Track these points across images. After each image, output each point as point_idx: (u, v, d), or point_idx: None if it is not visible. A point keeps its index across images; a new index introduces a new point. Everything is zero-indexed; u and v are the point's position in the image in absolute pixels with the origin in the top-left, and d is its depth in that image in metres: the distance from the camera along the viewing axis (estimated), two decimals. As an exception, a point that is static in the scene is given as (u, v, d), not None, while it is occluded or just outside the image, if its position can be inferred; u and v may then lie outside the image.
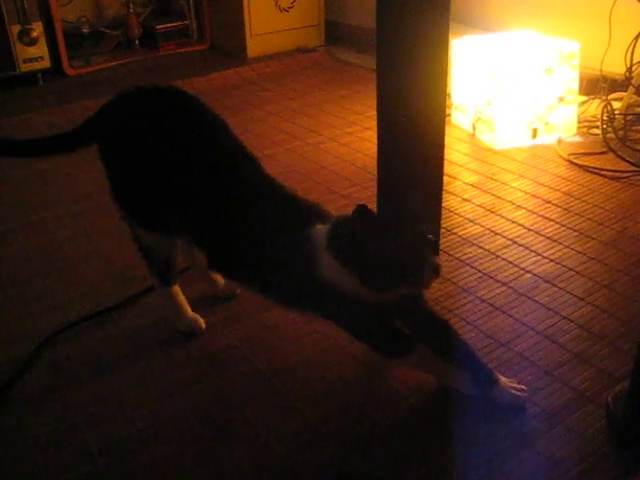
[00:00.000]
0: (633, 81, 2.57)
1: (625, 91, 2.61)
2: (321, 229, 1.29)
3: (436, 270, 1.23)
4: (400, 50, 1.57)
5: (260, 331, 1.62)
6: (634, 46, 2.55)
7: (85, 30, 3.96)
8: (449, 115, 2.76)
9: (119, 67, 3.82)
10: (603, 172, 2.30)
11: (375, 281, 1.24)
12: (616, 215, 2.03)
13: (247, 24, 3.82)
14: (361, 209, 1.19)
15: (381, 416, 1.36)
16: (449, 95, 2.74)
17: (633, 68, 2.56)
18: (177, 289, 1.62)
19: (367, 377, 1.47)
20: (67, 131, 1.58)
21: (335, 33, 4.10)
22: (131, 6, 4.04)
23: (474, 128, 2.66)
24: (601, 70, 2.71)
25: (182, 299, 1.63)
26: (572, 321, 1.59)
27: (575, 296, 1.68)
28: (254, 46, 3.86)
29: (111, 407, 1.42)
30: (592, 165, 2.34)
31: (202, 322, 1.62)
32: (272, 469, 1.26)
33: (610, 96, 2.63)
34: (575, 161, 2.39)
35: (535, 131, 2.55)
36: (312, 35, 4.02)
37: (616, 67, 2.67)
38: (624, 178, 2.26)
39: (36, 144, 1.62)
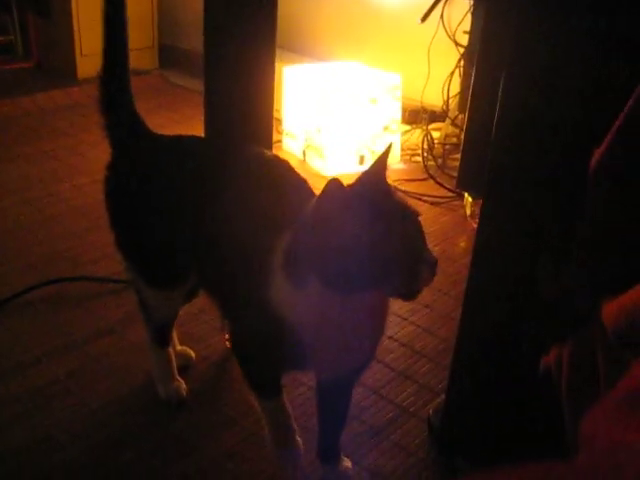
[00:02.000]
0: (449, 113, 2.77)
1: (443, 122, 2.81)
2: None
3: (433, 267, 0.99)
4: (225, 74, 1.61)
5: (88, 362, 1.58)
6: (450, 81, 2.76)
7: None
8: (280, 141, 2.83)
9: None
10: (424, 198, 2.45)
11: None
12: (436, 238, 2.17)
13: (77, 43, 3.69)
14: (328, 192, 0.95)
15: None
16: (280, 121, 2.81)
17: (450, 101, 2.77)
18: (170, 351, 1.48)
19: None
20: None
21: (169, 56, 4.08)
22: (-54, 19, 3.78)
23: (304, 154, 2.74)
24: (421, 102, 2.89)
25: (172, 364, 1.47)
26: (396, 340, 1.68)
27: (399, 316, 1.77)
28: (85, 66, 3.74)
29: None
30: (414, 191, 2.49)
31: (184, 391, 1.47)
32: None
33: (430, 126, 2.82)
34: (399, 187, 2.53)
35: (362, 158, 2.67)
36: (145, 57, 3.96)
37: (435, 99, 2.87)
38: (443, 203, 2.42)
39: None
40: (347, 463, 1.30)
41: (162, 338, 1.44)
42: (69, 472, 1.29)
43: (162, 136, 1.38)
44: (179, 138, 1.38)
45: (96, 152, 2.76)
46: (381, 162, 1.05)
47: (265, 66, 1.66)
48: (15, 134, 2.96)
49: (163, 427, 1.41)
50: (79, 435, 1.37)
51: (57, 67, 3.85)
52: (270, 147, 1.74)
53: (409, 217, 1.00)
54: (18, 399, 1.46)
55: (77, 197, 2.37)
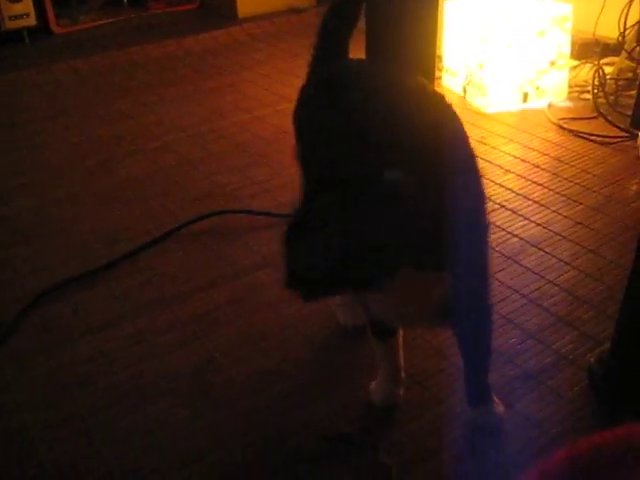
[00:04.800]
0: (625, 46, 2.55)
1: (617, 56, 2.60)
2: None
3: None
4: (389, 9, 1.56)
5: (246, 293, 1.64)
6: (628, 10, 2.53)
7: (72, -14, 3.89)
8: (440, 78, 2.74)
9: (107, 26, 3.76)
10: (592, 137, 2.30)
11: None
12: (604, 180, 2.03)
13: (238, -17, 3.76)
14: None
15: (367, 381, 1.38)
16: (440, 58, 2.71)
17: (626, 32, 2.55)
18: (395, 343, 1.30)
19: (354, 342, 1.49)
20: None
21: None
22: (120, -37, 3.96)
23: (465, 91, 2.64)
24: (594, 34, 2.69)
25: (395, 360, 1.31)
26: (557, 285, 1.61)
27: (561, 260, 1.69)
28: (245, 6, 3.80)
29: (100, 367, 1.43)
30: (582, 130, 2.34)
31: (397, 397, 1.32)
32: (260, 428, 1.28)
33: (602, 60, 2.62)
34: (565, 126, 2.38)
35: (526, 95, 2.53)
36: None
37: (609, 31, 2.65)
38: (613, 143, 2.26)
39: None
40: (499, 407, 1.27)
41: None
42: (226, 391, 1.36)
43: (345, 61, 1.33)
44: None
45: (256, 89, 2.82)
46: None
47: (428, 3, 1.60)
48: (180, 73, 3.08)
49: (320, 362, 1.44)
50: (239, 359, 1.43)
51: (219, 7, 3.94)
52: (432, 80, 1.69)
53: None
54: (184, 324, 1.55)
55: (239, 133, 2.44)
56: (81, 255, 1.79)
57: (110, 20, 3.82)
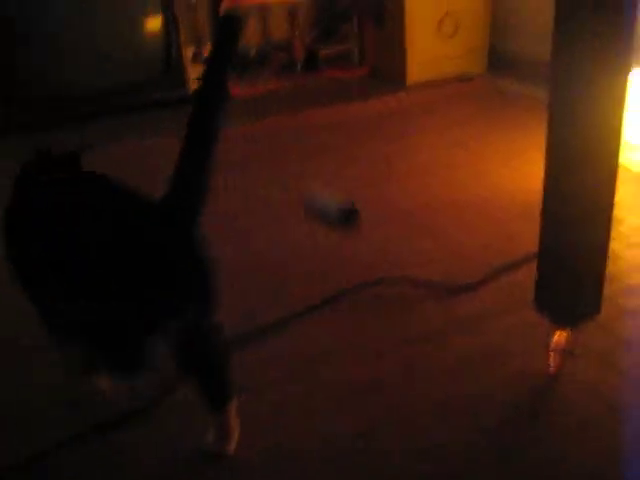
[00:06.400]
0: None
1: None
2: None
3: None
4: (576, 81, 1.52)
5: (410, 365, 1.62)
6: None
7: (252, 52, 4.13)
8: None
9: (282, 89, 3.96)
10: None
11: None
12: None
13: (409, 50, 3.84)
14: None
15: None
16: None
17: None
18: None
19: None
20: None
21: (496, 60, 4.03)
22: (297, 30, 4.17)
23: (644, 168, 2.51)
24: None
25: None
26: None
27: None
28: (413, 73, 3.87)
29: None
30: None
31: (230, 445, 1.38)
32: None
33: None
34: None
35: None
36: (473, 62, 3.97)
37: None
38: None
39: None
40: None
41: None
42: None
43: None
44: None
45: (422, 157, 2.84)
46: None
47: (617, 75, 1.54)
48: (350, 137, 3.16)
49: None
50: (394, 435, 1.41)
51: (388, 74, 4.04)
52: (616, 161, 1.62)
53: None
54: (350, 385, 1.56)
55: (404, 200, 2.46)
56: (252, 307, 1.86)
57: (285, 84, 4.02)
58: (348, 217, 2.18)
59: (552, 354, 1.52)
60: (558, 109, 1.60)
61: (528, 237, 2.10)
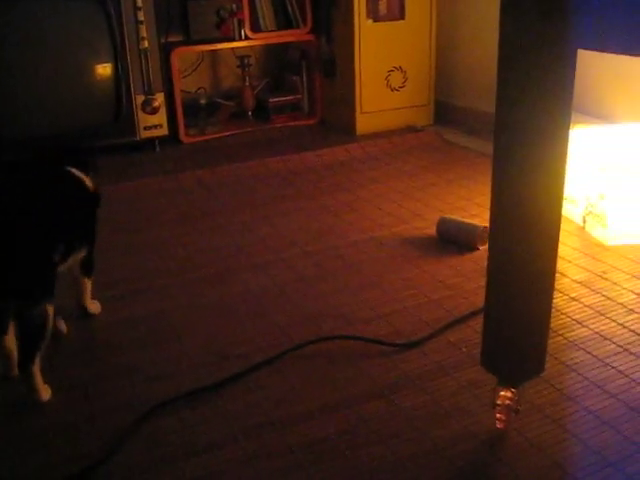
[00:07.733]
0: None
1: None
2: None
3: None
4: (519, 136, 1.55)
5: (357, 424, 1.61)
6: None
7: (202, 101, 4.15)
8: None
9: (231, 137, 3.99)
10: None
11: None
12: None
13: (358, 101, 3.91)
14: None
15: None
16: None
17: None
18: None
19: None
20: None
21: (443, 113, 4.14)
22: (247, 79, 4.21)
23: (584, 221, 2.59)
24: None
25: None
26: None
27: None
28: (363, 123, 3.94)
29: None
30: None
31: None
32: None
33: None
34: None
35: (650, 229, 2.46)
36: (421, 114, 4.07)
37: None
38: None
39: None
40: None
41: None
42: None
43: None
44: None
45: (371, 209, 2.87)
46: None
47: (559, 132, 1.58)
48: (298, 188, 3.18)
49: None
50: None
51: (338, 124, 4.10)
52: (559, 218, 1.66)
53: None
54: (292, 451, 1.53)
55: (353, 254, 2.47)
56: (191, 369, 1.83)
57: (235, 132, 4.05)
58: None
59: (499, 411, 1.53)
60: (500, 165, 1.63)
61: (476, 292, 2.14)
